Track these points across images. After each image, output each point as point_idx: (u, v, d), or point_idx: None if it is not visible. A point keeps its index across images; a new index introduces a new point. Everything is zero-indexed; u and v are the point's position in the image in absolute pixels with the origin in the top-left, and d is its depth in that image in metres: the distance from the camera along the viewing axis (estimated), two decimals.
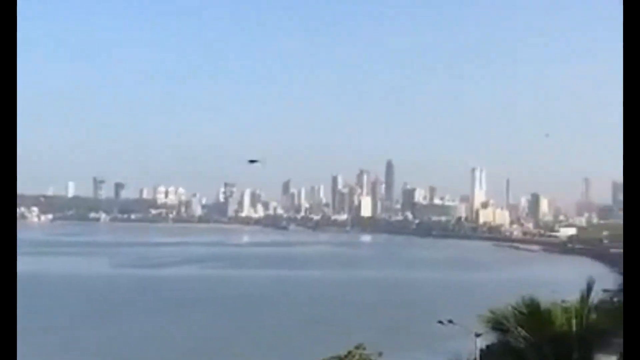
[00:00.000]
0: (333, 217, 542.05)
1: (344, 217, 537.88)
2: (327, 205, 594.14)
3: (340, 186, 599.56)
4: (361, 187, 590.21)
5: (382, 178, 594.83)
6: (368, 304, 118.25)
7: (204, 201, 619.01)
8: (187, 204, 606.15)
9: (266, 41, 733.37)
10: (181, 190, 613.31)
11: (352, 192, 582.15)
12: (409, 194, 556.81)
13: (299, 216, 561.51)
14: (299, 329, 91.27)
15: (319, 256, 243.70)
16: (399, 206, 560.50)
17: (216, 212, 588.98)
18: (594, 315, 21.78)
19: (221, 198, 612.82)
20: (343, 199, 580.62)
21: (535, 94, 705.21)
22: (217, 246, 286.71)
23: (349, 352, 41.84)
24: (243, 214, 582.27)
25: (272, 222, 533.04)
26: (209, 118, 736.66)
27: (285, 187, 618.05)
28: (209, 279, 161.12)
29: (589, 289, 16.99)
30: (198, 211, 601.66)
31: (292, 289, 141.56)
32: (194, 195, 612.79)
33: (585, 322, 15.79)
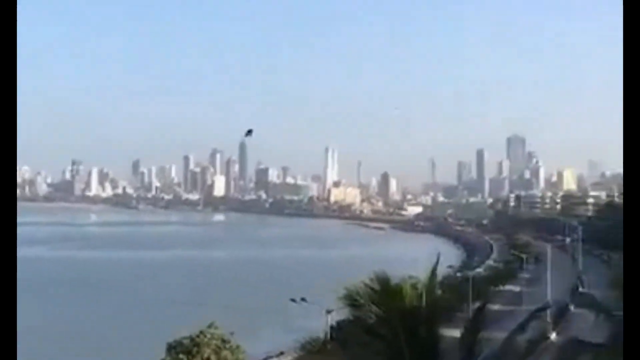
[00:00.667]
0: (185, 197, 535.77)
1: (196, 196, 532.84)
2: (178, 184, 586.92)
3: (192, 166, 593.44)
4: (214, 166, 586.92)
5: (236, 157, 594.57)
6: (221, 283, 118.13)
7: (49, 180, 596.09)
8: (31, 183, 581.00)
9: (124, 19, 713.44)
10: (25, 168, 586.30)
11: (204, 171, 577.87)
12: (262, 173, 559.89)
13: (149, 195, 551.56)
14: (151, 310, 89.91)
15: (170, 236, 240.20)
16: (252, 185, 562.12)
17: (62, 191, 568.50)
18: (439, 291, 23.01)
19: (67, 176, 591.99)
20: (195, 179, 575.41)
21: (388, 75, 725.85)
22: (64, 226, 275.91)
23: (201, 332, 41.69)
24: (91, 193, 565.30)
25: (121, 201, 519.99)
26: (54, 91, 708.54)
27: (135, 166, 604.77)
28: (56, 260, 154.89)
29: (435, 265, 17.76)
30: (43, 190, 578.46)
31: (144, 270, 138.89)
32: (39, 173, 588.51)
33: (431, 297, 16.54)
